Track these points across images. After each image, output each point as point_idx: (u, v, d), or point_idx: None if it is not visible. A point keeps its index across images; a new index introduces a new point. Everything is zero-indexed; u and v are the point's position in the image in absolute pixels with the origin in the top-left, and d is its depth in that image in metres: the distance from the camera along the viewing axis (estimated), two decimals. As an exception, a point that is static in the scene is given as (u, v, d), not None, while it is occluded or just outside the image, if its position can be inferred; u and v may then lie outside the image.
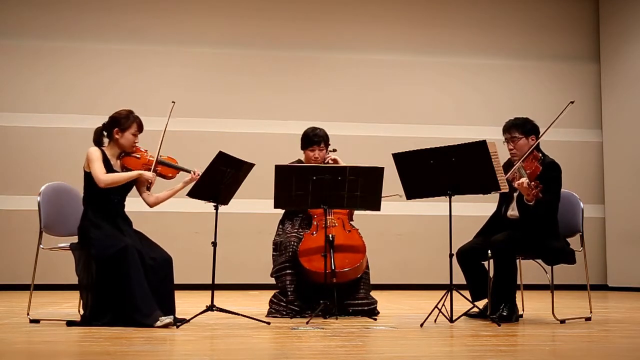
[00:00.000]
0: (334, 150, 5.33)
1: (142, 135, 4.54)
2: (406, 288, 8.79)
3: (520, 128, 4.75)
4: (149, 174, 4.40)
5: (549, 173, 4.56)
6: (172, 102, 4.56)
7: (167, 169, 4.52)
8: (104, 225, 4.30)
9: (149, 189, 4.46)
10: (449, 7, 9.57)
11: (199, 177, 4.47)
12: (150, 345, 3.38)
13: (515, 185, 4.49)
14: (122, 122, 4.42)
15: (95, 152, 4.36)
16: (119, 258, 4.13)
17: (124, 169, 4.46)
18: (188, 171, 4.52)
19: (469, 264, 4.81)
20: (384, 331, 4.09)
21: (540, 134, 4.73)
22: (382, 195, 4.75)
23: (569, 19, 9.78)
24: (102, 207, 4.36)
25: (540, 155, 4.64)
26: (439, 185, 4.55)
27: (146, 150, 4.52)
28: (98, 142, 4.47)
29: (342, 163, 5.17)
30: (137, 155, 4.48)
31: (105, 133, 4.48)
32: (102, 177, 4.31)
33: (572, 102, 4.62)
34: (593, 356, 3.22)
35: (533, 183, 4.37)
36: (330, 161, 5.21)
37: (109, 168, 4.39)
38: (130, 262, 4.12)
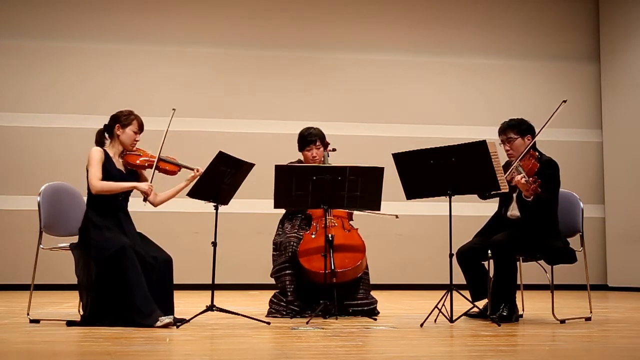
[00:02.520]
0: (334, 150, 5.34)
1: (142, 134, 4.55)
2: (406, 288, 8.79)
3: (516, 128, 4.76)
4: (144, 186, 4.38)
5: (546, 171, 4.57)
6: (173, 109, 4.57)
7: (169, 165, 4.53)
8: (105, 226, 4.29)
9: (145, 199, 4.42)
10: (449, 7, 9.57)
11: (202, 174, 4.49)
12: (150, 345, 3.38)
13: (514, 183, 4.49)
14: (123, 118, 4.46)
15: (95, 154, 4.37)
16: (117, 258, 4.13)
17: (128, 165, 4.47)
18: (191, 169, 4.53)
19: (469, 264, 4.81)
20: (384, 331, 4.09)
21: (536, 134, 4.72)
22: (380, 212, 4.81)
23: (569, 19, 9.78)
24: (106, 206, 4.35)
25: (537, 154, 4.64)
26: (439, 185, 4.55)
27: (147, 151, 4.54)
28: (100, 143, 4.48)
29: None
30: (139, 153, 4.50)
31: (106, 134, 4.49)
32: (96, 183, 4.31)
33: (564, 101, 4.62)
34: (593, 356, 3.23)
35: (531, 179, 4.37)
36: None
37: (112, 167, 4.40)
38: (129, 262, 4.12)
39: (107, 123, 4.51)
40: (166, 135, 4.47)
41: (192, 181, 4.54)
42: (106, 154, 4.42)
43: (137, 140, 4.49)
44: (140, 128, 4.49)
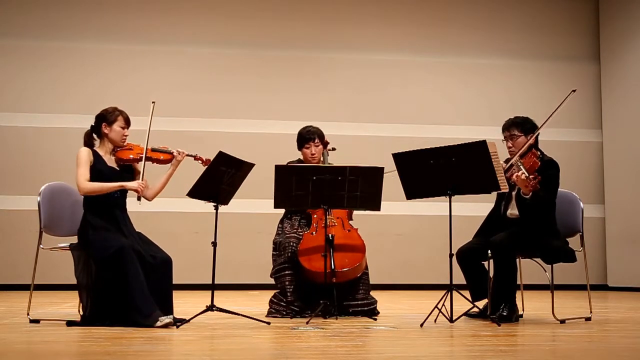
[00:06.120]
0: (333, 149, 5.34)
1: (140, 133, 4.54)
2: (406, 288, 8.79)
3: (520, 126, 4.76)
4: (133, 185, 4.36)
5: (547, 171, 4.57)
6: (152, 102, 4.56)
7: (160, 154, 4.53)
8: (103, 227, 4.29)
9: (139, 198, 4.38)
10: (449, 7, 9.57)
11: (186, 155, 4.51)
12: (150, 345, 3.38)
13: (513, 178, 4.48)
14: (109, 116, 4.45)
15: (82, 154, 4.35)
16: (117, 259, 4.12)
17: (120, 162, 4.46)
18: (171, 153, 4.55)
19: (469, 264, 4.81)
20: (384, 331, 4.09)
21: (544, 121, 4.68)
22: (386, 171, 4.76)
23: (569, 19, 9.78)
24: (102, 205, 4.35)
25: (539, 153, 4.64)
26: (439, 185, 4.55)
27: (138, 144, 4.53)
28: (89, 144, 4.47)
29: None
30: (130, 147, 4.50)
31: (94, 134, 4.49)
32: (83, 184, 4.30)
33: (574, 91, 4.62)
34: (593, 356, 3.22)
35: (531, 175, 4.37)
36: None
37: (104, 165, 4.39)
38: (129, 262, 4.11)
39: (93, 124, 4.50)
40: (150, 128, 4.47)
41: (177, 165, 4.54)
42: (95, 154, 4.41)
43: (126, 135, 4.49)
44: (127, 122, 4.48)
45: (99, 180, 4.34)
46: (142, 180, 4.43)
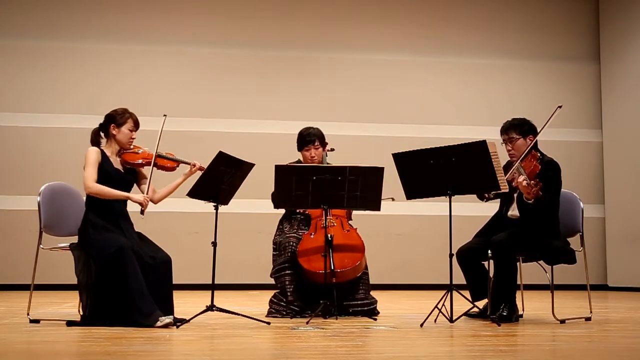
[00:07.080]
0: (332, 150, 5.34)
1: (140, 133, 4.55)
2: (406, 288, 8.79)
3: (518, 129, 4.76)
4: (139, 198, 4.35)
5: (548, 172, 4.57)
6: (164, 115, 4.55)
7: (167, 161, 4.53)
8: (104, 227, 4.29)
9: (142, 212, 4.38)
10: (449, 7, 9.57)
11: (198, 169, 4.52)
12: (150, 345, 3.38)
13: (514, 184, 4.49)
14: (118, 118, 4.44)
15: (92, 154, 4.35)
16: (116, 259, 4.12)
17: (125, 164, 4.46)
18: (188, 163, 4.55)
19: (469, 264, 4.81)
20: (384, 331, 4.09)
21: (534, 139, 4.71)
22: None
23: (569, 19, 9.78)
24: (104, 206, 4.34)
25: (539, 155, 4.64)
26: (439, 185, 4.55)
27: (145, 148, 4.54)
28: (95, 143, 4.47)
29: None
30: (137, 151, 4.50)
31: (102, 133, 4.49)
32: (91, 184, 4.30)
33: (559, 107, 4.63)
34: (593, 356, 3.22)
35: (533, 182, 4.36)
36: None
37: (110, 166, 4.40)
38: (128, 262, 4.11)
39: (102, 122, 4.50)
40: (160, 137, 4.46)
41: (189, 176, 4.56)
42: (103, 154, 4.41)
43: (133, 138, 4.48)
44: (136, 125, 4.48)
45: (104, 181, 4.35)
46: (147, 193, 4.44)
